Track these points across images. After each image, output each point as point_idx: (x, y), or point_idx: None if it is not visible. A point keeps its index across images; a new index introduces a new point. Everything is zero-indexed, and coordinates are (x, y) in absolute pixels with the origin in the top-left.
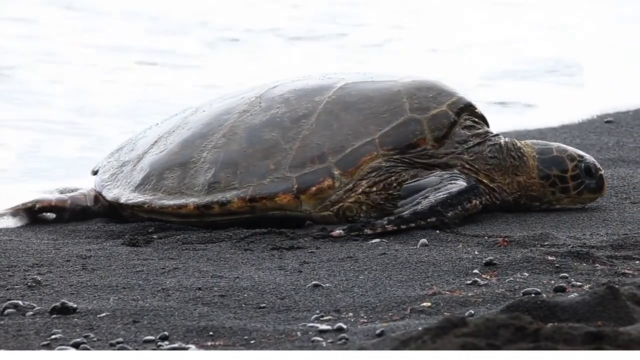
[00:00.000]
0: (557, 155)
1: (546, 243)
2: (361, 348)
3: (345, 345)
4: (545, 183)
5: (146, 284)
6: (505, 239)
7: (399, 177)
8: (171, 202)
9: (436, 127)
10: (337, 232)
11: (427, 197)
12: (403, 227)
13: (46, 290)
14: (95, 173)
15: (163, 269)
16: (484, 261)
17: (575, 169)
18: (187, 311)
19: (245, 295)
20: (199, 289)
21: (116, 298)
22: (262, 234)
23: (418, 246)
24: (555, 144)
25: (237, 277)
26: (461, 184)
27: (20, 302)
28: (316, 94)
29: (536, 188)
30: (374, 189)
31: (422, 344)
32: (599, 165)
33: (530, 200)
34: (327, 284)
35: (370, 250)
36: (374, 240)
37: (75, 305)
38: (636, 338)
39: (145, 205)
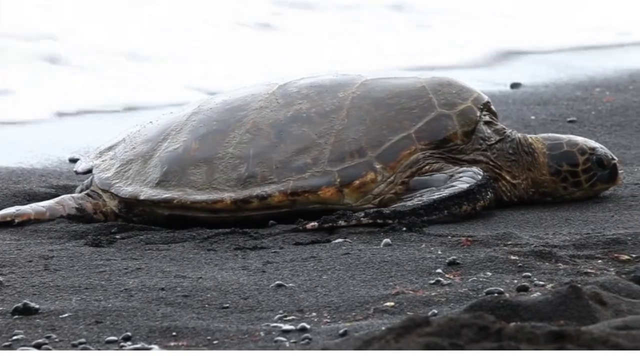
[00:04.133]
0: (567, 150)
1: (509, 242)
2: (324, 348)
3: (308, 345)
4: (557, 179)
5: (109, 284)
6: (469, 239)
7: (430, 168)
8: (204, 197)
9: (465, 122)
10: (311, 224)
11: (422, 195)
12: (379, 221)
13: (8, 291)
14: (85, 172)
15: (126, 269)
16: (447, 261)
17: (586, 162)
18: (150, 311)
19: (209, 295)
20: (162, 289)
21: (79, 298)
22: (225, 234)
23: (381, 246)
24: (566, 138)
25: (200, 277)
26: (462, 186)
27: None
28: (338, 89)
29: (548, 184)
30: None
31: (385, 343)
32: (611, 155)
33: (542, 195)
34: (290, 284)
35: (333, 250)
36: (337, 240)
37: (37, 306)
38: (598, 337)
39: (175, 201)
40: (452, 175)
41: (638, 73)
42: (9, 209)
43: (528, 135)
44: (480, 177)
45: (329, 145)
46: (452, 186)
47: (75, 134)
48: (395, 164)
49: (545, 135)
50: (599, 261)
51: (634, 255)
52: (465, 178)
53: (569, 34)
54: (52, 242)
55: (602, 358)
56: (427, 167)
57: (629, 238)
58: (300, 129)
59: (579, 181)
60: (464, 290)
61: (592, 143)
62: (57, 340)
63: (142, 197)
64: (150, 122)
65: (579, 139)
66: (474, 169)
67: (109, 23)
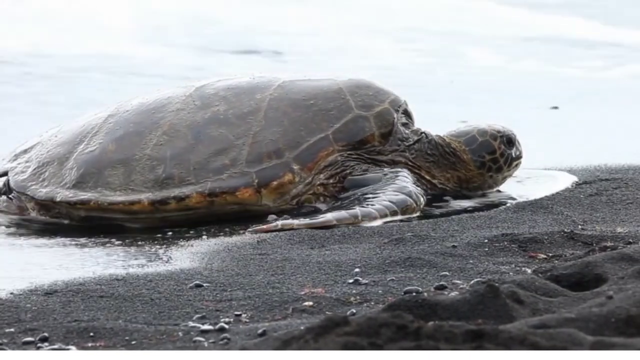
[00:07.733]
0: (482, 140)
1: (427, 242)
2: (243, 348)
3: (227, 345)
4: (484, 171)
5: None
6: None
7: (353, 171)
8: (122, 199)
9: (382, 124)
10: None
11: (368, 193)
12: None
13: None
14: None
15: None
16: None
17: (500, 146)
18: (68, 312)
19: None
20: (80, 289)
21: None
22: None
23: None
24: (474, 129)
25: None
26: (405, 185)
27: None
28: (256, 91)
29: (477, 179)
30: (331, 181)
31: (304, 343)
32: (510, 130)
33: (473, 190)
34: (206, 284)
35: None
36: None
37: None
38: (516, 336)
39: (92, 203)
40: (385, 175)
41: None
42: None
43: (442, 136)
44: (411, 177)
45: (246, 147)
46: (395, 184)
47: None
48: (312, 165)
49: (452, 132)
50: (516, 260)
51: (550, 254)
52: (402, 177)
53: None
54: None
55: (519, 357)
56: (348, 172)
57: (546, 237)
58: (217, 130)
59: (500, 166)
60: (382, 289)
61: (495, 125)
62: None
63: (58, 199)
64: (67, 124)
65: (484, 126)
66: (398, 168)
67: None
